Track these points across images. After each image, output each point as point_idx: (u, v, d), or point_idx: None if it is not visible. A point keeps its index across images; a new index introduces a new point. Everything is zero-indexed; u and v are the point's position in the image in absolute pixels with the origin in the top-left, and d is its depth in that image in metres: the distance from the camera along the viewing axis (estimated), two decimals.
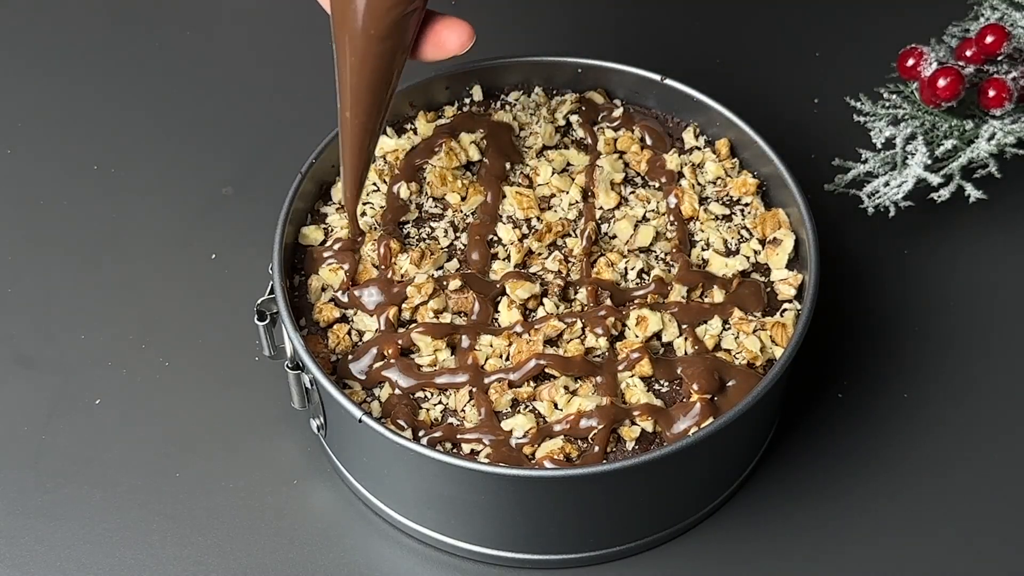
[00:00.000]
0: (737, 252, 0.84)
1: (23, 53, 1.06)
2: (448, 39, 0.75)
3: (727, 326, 0.80)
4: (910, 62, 0.89)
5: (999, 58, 0.89)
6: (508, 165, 0.86)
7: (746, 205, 0.86)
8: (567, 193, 0.85)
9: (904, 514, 0.82)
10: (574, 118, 0.89)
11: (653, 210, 0.85)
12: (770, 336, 0.79)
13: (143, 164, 0.99)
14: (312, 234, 0.84)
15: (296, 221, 0.83)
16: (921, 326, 0.90)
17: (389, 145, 0.88)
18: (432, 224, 0.84)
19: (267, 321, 0.80)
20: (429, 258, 0.81)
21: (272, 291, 0.79)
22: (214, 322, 0.90)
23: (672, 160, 0.87)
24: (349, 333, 0.80)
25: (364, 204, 0.85)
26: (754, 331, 0.79)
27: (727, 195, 0.86)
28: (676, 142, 0.89)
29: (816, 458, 0.84)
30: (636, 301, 0.80)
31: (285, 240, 0.80)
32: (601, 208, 0.85)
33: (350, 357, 0.79)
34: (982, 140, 0.88)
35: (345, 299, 0.81)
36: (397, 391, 0.77)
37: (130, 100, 1.03)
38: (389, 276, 0.81)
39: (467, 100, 0.91)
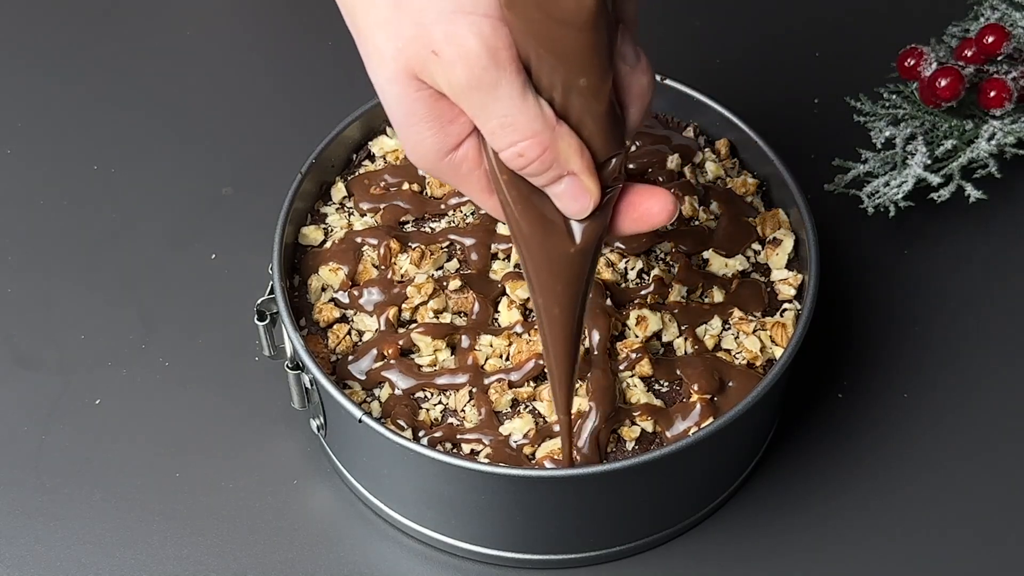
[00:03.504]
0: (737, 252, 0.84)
1: (23, 53, 1.06)
2: (651, 210, 0.66)
3: (727, 326, 0.80)
4: (910, 62, 0.89)
5: (999, 58, 0.89)
6: None
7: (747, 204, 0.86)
8: None
9: (904, 513, 0.82)
10: None
11: None
12: (770, 336, 0.79)
13: (143, 164, 0.99)
14: (312, 234, 0.84)
15: (296, 221, 0.83)
16: (921, 326, 0.90)
17: (389, 145, 0.88)
18: (432, 224, 0.84)
19: (267, 321, 0.80)
20: (429, 258, 0.81)
21: (272, 291, 0.79)
22: (214, 322, 0.90)
23: (672, 160, 0.86)
24: (349, 333, 0.80)
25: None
26: (754, 331, 0.79)
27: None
28: None
29: (816, 458, 0.84)
30: (636, 301, 0.80)
31: (285, 240, 0.80)
32: None
33: (350, 357, 0.79)
34: (982, 140, 0.88)
35: (345, 299, 0.81)
36: (397, 391, 0.77)
37: (130, 100, 1.03)
38: (389, 276, 0.81)
39: None
